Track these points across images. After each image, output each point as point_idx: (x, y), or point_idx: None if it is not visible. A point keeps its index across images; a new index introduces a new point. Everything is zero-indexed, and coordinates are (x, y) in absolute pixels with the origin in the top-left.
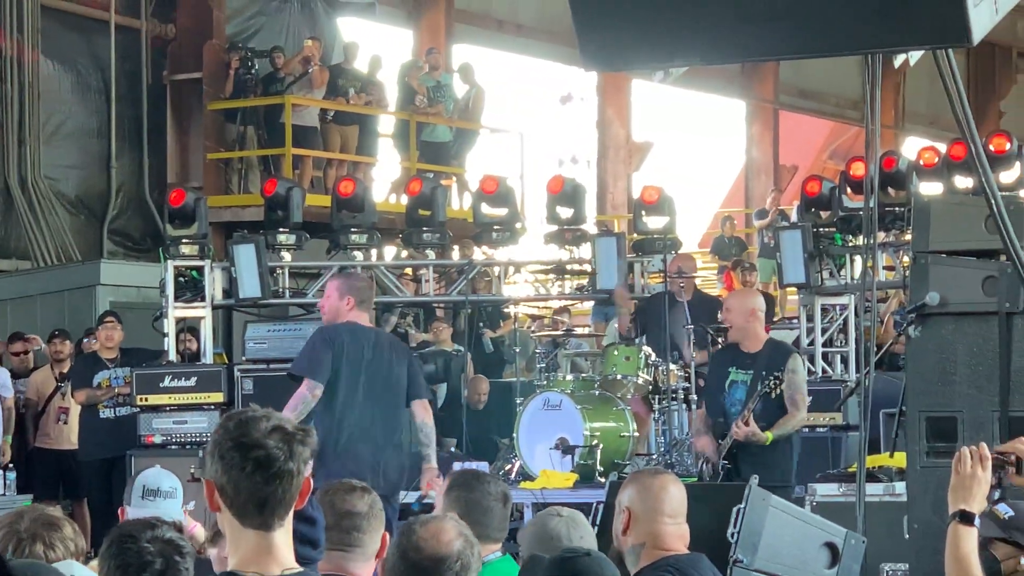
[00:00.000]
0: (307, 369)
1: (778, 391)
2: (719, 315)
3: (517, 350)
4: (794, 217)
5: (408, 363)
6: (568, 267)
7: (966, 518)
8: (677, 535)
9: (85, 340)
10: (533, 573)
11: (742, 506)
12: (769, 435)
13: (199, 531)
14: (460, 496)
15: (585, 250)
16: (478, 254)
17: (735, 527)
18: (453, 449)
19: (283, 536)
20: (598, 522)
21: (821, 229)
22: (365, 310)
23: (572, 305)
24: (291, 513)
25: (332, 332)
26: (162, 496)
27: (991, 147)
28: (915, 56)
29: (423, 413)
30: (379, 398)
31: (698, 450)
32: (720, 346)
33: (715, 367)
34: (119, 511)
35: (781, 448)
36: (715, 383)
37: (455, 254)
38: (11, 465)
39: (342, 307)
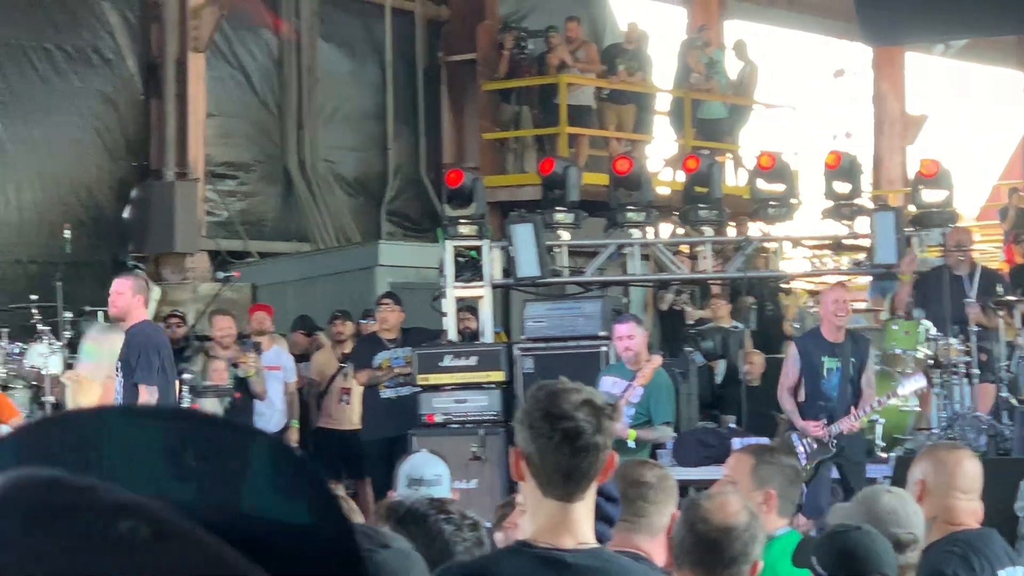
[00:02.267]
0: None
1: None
2: (998, 288)
3: (796, 326)
4: None
5: None
6: (845, 242)
7: None
8: (970, 511)
9: (364, 321)
10: (806, 548)
11: None
12: (864, 419)
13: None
14: (765, 471)
15: (861, 224)
16: (754, 230)
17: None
18: (732, 425)
19: (583, 510)
20: None
21: None
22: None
23: (849, 280)
24: (594, 487)
25: (159, 338)
26: (426, 485)
27: None
28: None
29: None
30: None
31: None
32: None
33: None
34: (387, 496)
35: None
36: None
37: (731, 231)
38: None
39: (134, 304)
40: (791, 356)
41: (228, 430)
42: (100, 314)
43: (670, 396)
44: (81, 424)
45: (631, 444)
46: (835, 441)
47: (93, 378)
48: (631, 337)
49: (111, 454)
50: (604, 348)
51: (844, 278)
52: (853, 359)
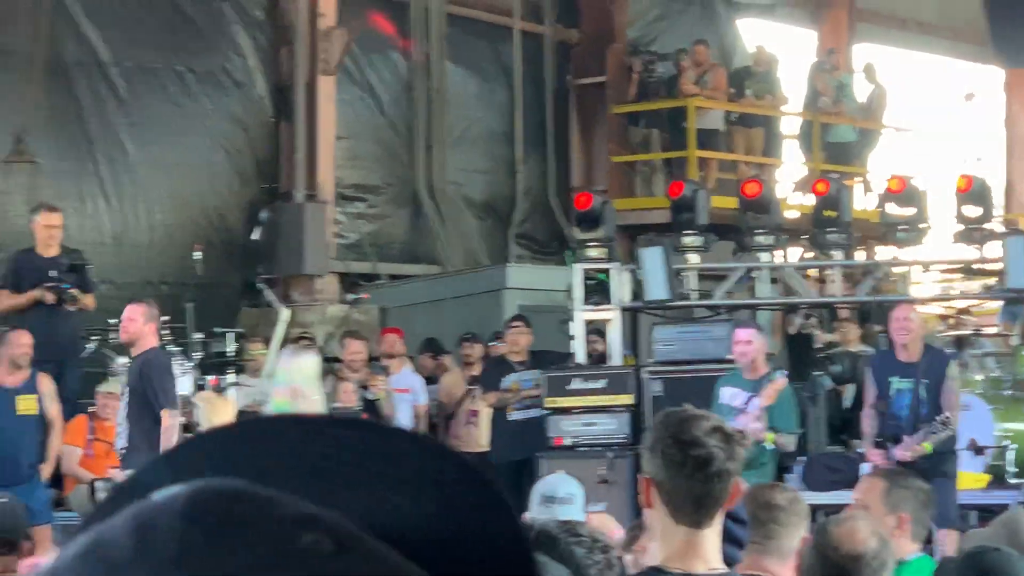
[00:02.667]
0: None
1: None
2: None
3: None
4: None
5: None
6: (975, 266)
7: None
8: None
9: (492, 343)
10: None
11: None
12: (928, 446)
13: (617, 534)
14: (899, 495)
15: (992, 249)
16: (883, 254)
17: None
18: (860, 450)
19: (712, 535)
20: None
21: None
22: None
23: (977, 305)
24: (722, 513)
25: (170, 362)
26: (558, 503)
27: None
28: None
29: None
30: None
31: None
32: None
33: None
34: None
35: None
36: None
37: (860, 254)
38: None
39: (146, 331)
40: (868, 377)
41: (404, 440)
42: (228, 335)
43: (793, 406)
44: (258, 433)
45: (769, 447)
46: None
47: (294, 402)
48: (749, 343)
49: (287, 463)
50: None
51: (973, 302)
52: (926, 380)
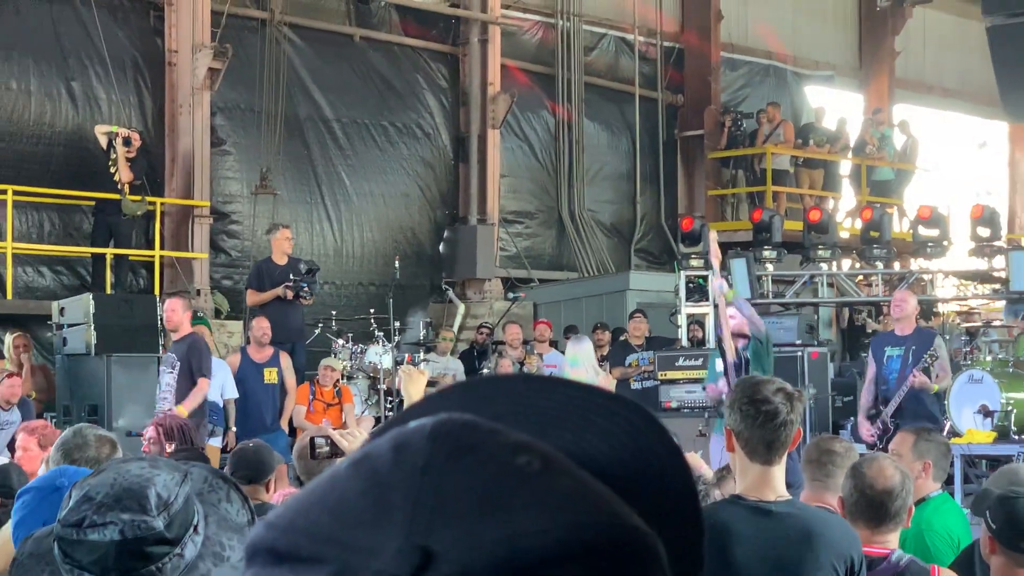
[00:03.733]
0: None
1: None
2: None
3: (948, 338)
4: None
5: None
6: (986, 274)
7: None
8: None
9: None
10: (982, 502)
11: None
12: (935, 386)
13: (706, 471)
14: (924, 447)
15: (999, 261)
16: (915, 265)
17: None
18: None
19: (779, 471)
20: None
21: None
22: None
23: (986, 305)
24: (786, 453)
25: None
26: None
27: None
28: None
29: None
30: None
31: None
32: None
33: (877, 347)
34: None
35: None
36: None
37: (897, 265)
38: None
39: (185, 318)
40: (869, 355)
41: (601, 395)
42: (420, 324)
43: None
44: (491, 386)
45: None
46: (893, 421)
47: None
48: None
49: (510, 408)
50: (800, 353)
51: (984, 302)
52: (914, 347)
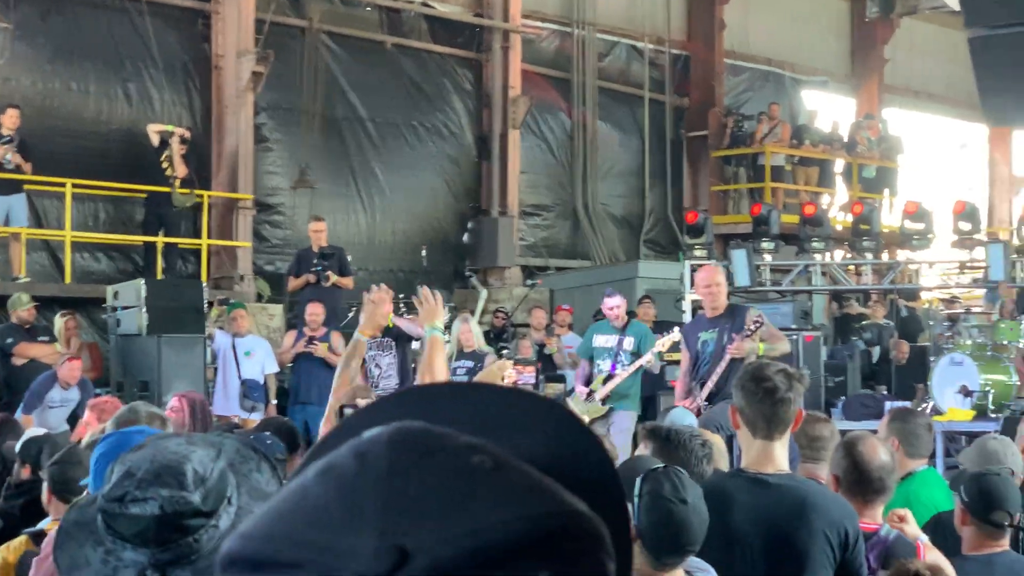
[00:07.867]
0: None
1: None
2: None
3: (931, 323)
4: None
5: None
6: (967, 264)
7: None
8: None
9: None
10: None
11: None
12: (761, 345)
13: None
14: (896, 426)
15: (979, 252)
16: (901, 256)
17: None
18: (884, 392)
19: (780, 447)
20: None
21: None
22: None
23: (966, 293)
24: (788, 432)
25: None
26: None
27: None
28: None
29: None
30: None
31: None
32: None
33: (689, 335)
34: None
35: None
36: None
37: (885, 256)
38: None
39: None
40: (682, 343)
41: (522, 396)
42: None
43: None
44: (430, 394)
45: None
46: (706, 404)
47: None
48: (619, 307)
49: (451, 414)
50: (795, 337)
51: (965, 290)
52: (728, 326)
